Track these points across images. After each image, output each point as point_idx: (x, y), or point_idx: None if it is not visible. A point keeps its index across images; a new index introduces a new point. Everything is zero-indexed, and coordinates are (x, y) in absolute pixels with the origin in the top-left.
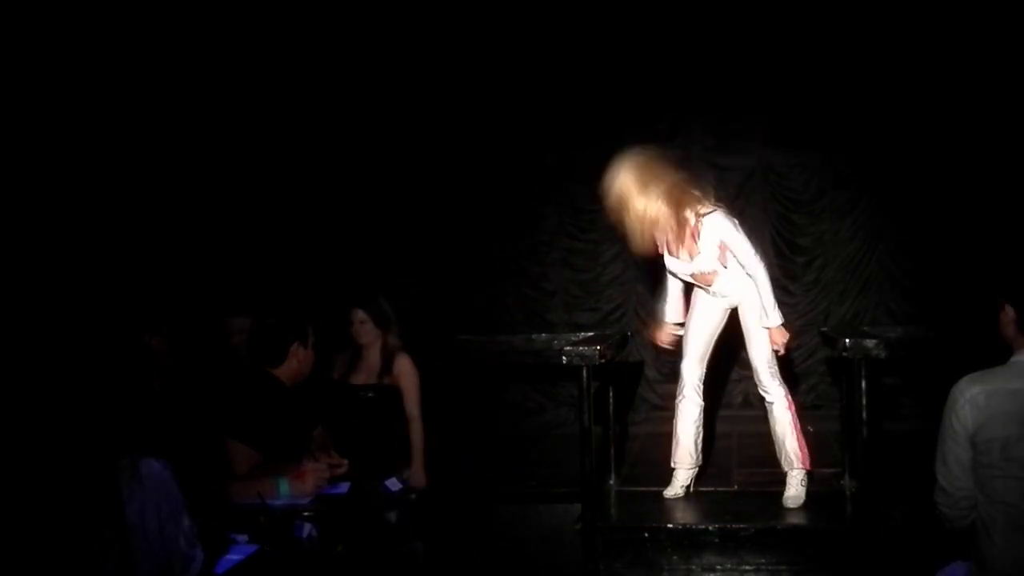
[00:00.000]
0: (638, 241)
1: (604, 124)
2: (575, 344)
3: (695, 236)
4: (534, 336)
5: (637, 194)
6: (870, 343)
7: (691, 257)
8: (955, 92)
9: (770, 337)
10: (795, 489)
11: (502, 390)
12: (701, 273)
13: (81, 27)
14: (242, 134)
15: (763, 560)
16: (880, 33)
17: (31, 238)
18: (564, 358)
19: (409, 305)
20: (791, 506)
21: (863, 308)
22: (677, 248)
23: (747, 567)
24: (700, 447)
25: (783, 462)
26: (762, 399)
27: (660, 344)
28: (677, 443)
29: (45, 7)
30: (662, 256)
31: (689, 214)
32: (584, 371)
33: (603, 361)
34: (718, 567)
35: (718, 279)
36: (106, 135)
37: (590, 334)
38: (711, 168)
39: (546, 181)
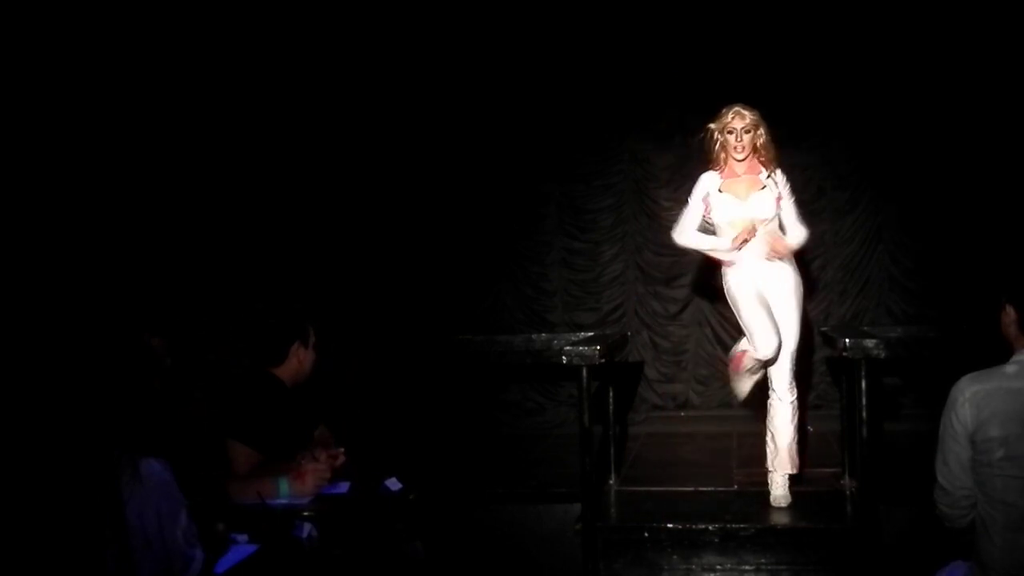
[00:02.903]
0: (715, 156)
1: (604, 124)
2: (575, 344)
3: (758, 174)
4: (534, 336)
5: (756, 122)
6: (870, 343)
7: (747, 196)
8: (956, 91)
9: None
10: (782, 489)
11: (502, 390)
12: (750, 220)
13: (81, 28)
14: (243, 135)
15: (763, 560)
16: (880, 33)
17: (32, 239)
18: (564, 358)
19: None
20: (782, 505)
21: (863, 308)
22: (735, 188)
23: (747, 567)
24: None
25: (775, 463)
26: (763, 399)
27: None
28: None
29: (45, 7)
30: (708, 216)
31: (765, 167)
32: (584, 371)
33: (603, 361)
34: (718, 567)
35: (759, 235)
36: (106, 137)
37: (590, 334)
38: None
39: (546, 181)
